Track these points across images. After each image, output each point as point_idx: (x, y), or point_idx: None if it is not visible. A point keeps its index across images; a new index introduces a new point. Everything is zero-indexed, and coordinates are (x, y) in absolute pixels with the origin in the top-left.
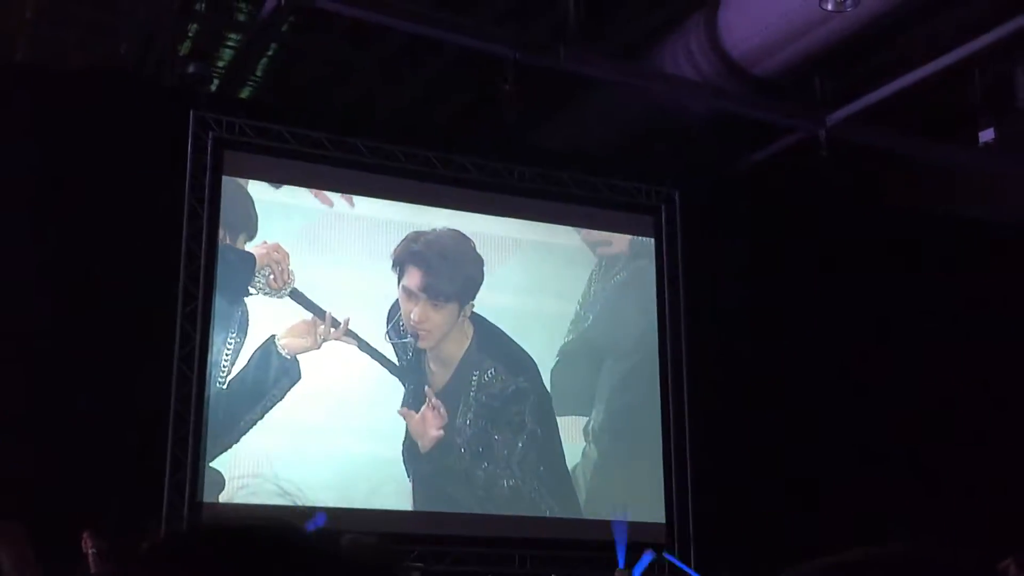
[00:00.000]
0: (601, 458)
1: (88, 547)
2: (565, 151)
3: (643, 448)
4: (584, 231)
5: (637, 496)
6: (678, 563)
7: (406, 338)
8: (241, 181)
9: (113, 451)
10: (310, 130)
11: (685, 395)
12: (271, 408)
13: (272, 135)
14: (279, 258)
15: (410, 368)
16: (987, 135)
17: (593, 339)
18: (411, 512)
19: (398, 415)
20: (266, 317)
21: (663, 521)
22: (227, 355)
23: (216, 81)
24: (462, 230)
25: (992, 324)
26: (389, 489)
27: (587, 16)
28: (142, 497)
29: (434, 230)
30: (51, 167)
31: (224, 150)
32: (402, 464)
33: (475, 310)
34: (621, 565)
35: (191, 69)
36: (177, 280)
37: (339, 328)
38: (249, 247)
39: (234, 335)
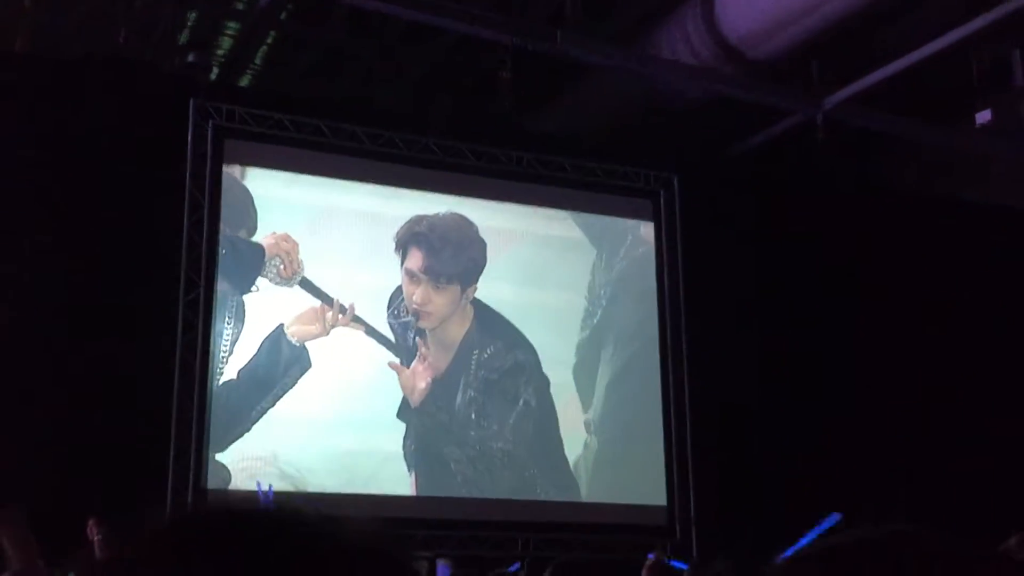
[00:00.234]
0: (602, 447)
1: (94, 534)
2: (564, 136)
3: (643, 433)
4: (582, 223)
5: (638, 480)
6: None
7: (407, 318)
8: (239, 177)
9: (118, 438)
10: (309, 118)
11: (685, 380)
12: (282, 396)
13: (272, 123)
14: (288, 248)
15: (411, 350)
16: (984, 116)
17: (600, 330)
18: (413, 497)
19: (389, 368)
20: (269, 306)
21: (664, 504)
22: (225, 344)
23: (215, 69)
24: (462, 211)
25: (989, 304)
26: (391, 476)
27: (584, 1)
28: (147, 484)
29: (437, 214)
30: (51, 156)
31: (224, 138)
32: (403, 459)
33: (477, 295)
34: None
35: (190, 58)
36: (179, 268)
37: (346, 314)
38: (257, 238)
39: (230, 324)
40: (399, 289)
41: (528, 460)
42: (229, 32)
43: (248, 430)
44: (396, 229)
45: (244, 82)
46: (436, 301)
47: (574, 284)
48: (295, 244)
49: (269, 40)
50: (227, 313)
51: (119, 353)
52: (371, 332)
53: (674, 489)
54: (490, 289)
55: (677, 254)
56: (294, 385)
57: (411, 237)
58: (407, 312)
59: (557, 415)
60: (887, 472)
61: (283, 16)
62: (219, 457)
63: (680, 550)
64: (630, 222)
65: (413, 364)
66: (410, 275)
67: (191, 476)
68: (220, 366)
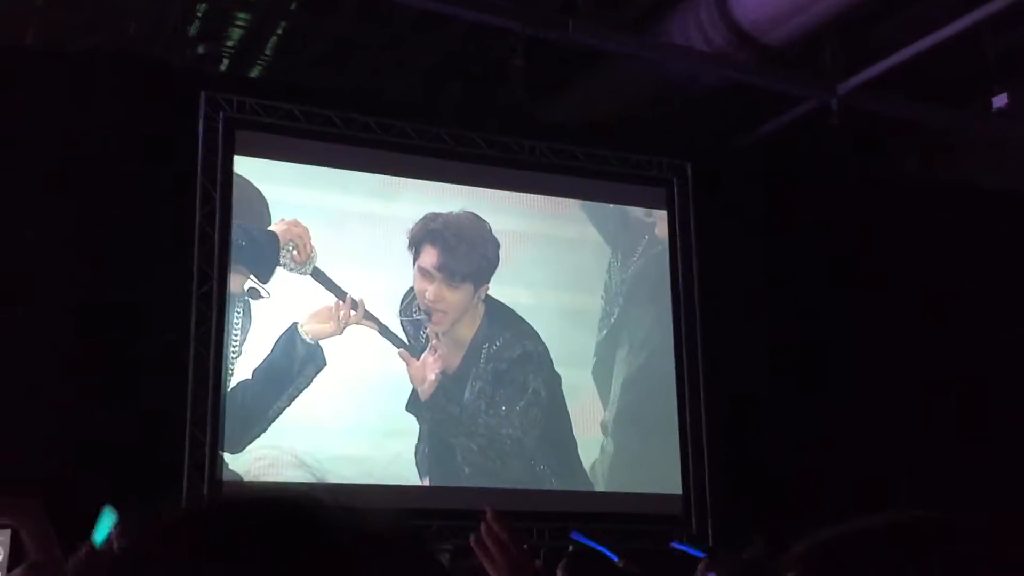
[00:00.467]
0: (619, 448)
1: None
2: (576, 125)
3: (659, 427)
4: (597, 222)
5: (653, 470)
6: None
7: (419, 316)
8: (249, 168)
9: (133, 431)
10: (321, 108)
11: (700, 369)
12: (298, 395)
13: (283, 114)
14: (299, 232)
15: (422, 347)
16: (1000, 100)
17: (616, 330)
18: (427, 488)
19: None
20: (281, 302)
21: (679, 492)
22: (236, 336)
23: (226, 61)
24: (475, 211)
25: (1001, 294)
26: (403, 472)
27: None
28: (163, 477)
29: (451, 212)
30: (61, 150)
31: (235, 130)
32: (414, 457)
33: (489, 294)
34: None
35: (201, 49)
36: (191, 261)
37: (359, 311)
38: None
39: (240, 318)
40: (411, 289)
41: (537, 451)
42: (239, 23)
43: (265, 430)
44: (407, 225)
45: (254, 73)
46: (449, 299)
47: (589, 285)
48: (305, 229)
49: (279, 31)
50: (236, 308)
51: (131, 347)
52: (384, 332)
53: (690, 478)
54: (503, 290)
55: (691, 243)
56: (309, 384)
57: (426, 234)
58: (419, 311)
59: (570, 415)
60: (905, 457)
61: (293, 7)
62: (237, 456)
63: (695, 539)
64: (647, 220)
65: (423, 355)
66: (423, 272)
67: (206, 469)
68: (232, 358)
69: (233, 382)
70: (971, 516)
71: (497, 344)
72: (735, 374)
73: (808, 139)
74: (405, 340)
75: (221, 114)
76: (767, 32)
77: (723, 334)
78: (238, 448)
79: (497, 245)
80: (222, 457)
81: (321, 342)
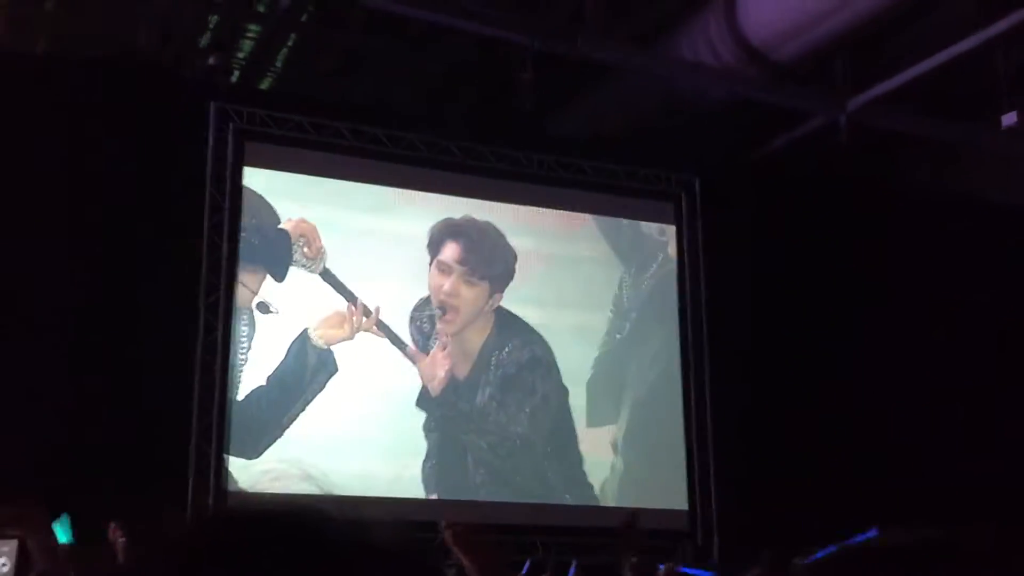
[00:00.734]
0: (628, 462)
1: (117, 536)
2: (584, 139)
3: (667, 443)
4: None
5: (660, 485)
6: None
7: (428, 327)
8: (258, 179)
9: (139, 440)
10: (330, 120)
11: (707, 385)
12: (312, 401)
13: (292, 126)
14: (308, 228)
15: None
16: (1009, 119)
17: (626, 348)
18: (431, 501)
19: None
20: (291, 308)
21: (685, 508)
22: (243, 343)
23: (236, 72)
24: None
25: (1009, 301)
26: (412, 479)
27: (605, 2)
28: (169, 488)
29: (472, 217)
30: (70, 159)
31: (245, 141)
32: (421, 483)
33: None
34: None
35: (211, 60)
36: (200, 270)
37: (371, 318)
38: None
39: (247, 326)
40: (423, 301)
41: (543, 457)
42: (250, 35)
43: (280, 436)
44: (415, 237)
45: (265, 85)
46: (464, 295)
47: (599, 301)
48: (312, 226)
49: (290, 43)
50: (242, 316)
51: (138, 356)
52: (395, 340)
53: (696, 493)
54: (514, 307)
55: (699, 258)
56: (323, 389)
57: (448, 231)
58: (428, 321)
59: (576, 431)
60: (901, 477)
61: (304, 19)
62: (247, 466)
63: (701, 554)
64: (660, 239)
65: (433, 351)
66: (441, 267)
67: (211, 479)
68: (240, 367)
69: (248, 389)
70: (975, 531)
71: (506, 350)
72: (748, 391)
73: (817, 155)
74: (414, 349)
75: (231, 125)
76: (777, 48)
77: (730, 349)
78: (254, 455)
79: (515, 256)
80: (228, 468)
81: (333, 347)
